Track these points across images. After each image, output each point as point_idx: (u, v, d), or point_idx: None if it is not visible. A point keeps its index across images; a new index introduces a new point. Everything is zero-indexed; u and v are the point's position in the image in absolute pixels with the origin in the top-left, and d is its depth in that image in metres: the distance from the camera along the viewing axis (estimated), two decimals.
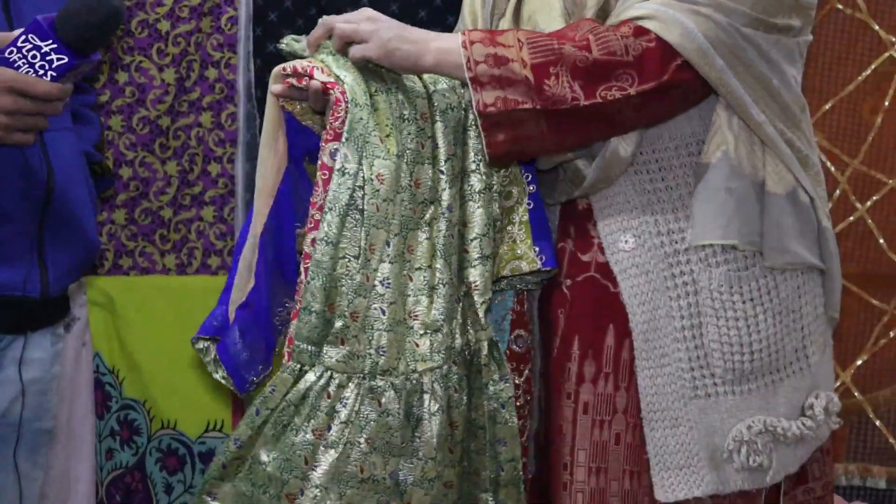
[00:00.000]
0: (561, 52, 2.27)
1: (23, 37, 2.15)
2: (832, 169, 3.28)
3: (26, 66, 2.16)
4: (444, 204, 2.35)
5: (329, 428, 2.22)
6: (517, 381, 2.46)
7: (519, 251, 2.47)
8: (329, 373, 2.24)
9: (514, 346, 2.47)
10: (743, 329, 2.37)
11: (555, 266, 2.47)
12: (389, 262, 2.26)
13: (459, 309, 2.38)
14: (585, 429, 2.45)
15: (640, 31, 2.27)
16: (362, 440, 2.24)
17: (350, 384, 2.24)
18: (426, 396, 2.29)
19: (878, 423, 3.28)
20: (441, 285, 2.32)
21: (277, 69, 2.29)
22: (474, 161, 2.39)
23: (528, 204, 2.45)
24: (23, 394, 2.48)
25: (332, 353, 2.24)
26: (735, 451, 2.36)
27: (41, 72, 2.17)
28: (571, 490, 2.45)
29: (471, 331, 2.39)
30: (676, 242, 2.38)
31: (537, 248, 2.44)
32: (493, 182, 2.40)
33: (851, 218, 3.29)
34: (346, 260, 2.24)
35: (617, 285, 2.41)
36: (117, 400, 3.37)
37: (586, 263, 2.44)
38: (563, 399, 2.48)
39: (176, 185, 3.33)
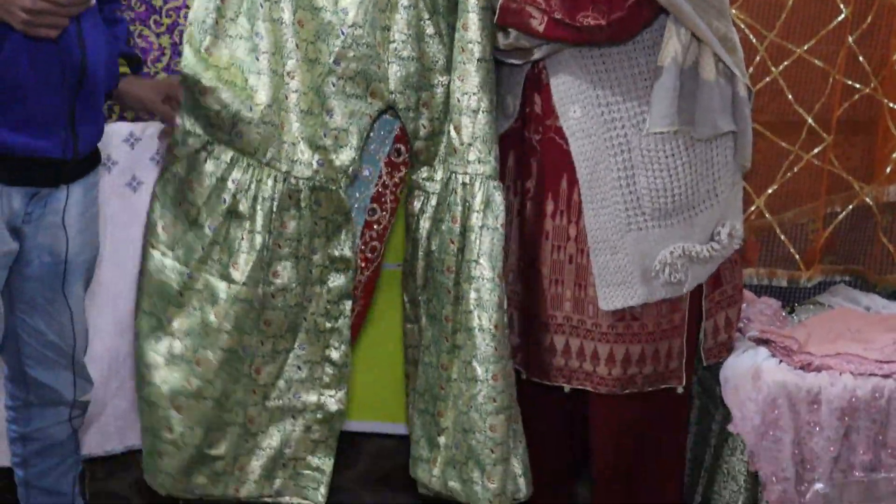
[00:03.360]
0: None
1: None
2: (753, 40, 3.41)
3: None
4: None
5: None
6: (389, 183, 2.89)
7: None
8: None
9: (393, 157, 2.89)
10: (666, 177, 2.73)
11: None
12: None
13: None
14: (547, 251, 2.84)
15: None
16: None
17: None
18: None
19: (782, 237, 3.53)
20: None
21: None
22: None
23: None
24: (66, 234, 2.68)
25: None
26: (661, 271, 2.76)
27: None
28: (540, 296, 2.87)
29: None
30: (613, 112, 2.72)
31: None
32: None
33: (767, 79, 3.44)
34: None
35: (569, 144, 2.76)
36: None
37: (549, 126, 2.80)
38: (536, 229, 2.86)
39: (168, 56, 3.40)
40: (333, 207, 2.75)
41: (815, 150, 3.47)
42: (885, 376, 2.99)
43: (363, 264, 2.91)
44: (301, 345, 2.84)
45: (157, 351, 2.78)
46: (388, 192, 2.88)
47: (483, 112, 2.70)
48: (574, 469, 3.35)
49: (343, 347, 2.85)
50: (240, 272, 2.71)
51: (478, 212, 2.71)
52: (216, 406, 2.78)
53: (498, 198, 2.71)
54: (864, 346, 3.09)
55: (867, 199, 3.50)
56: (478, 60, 2.69)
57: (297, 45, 2.68)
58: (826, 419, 2.96)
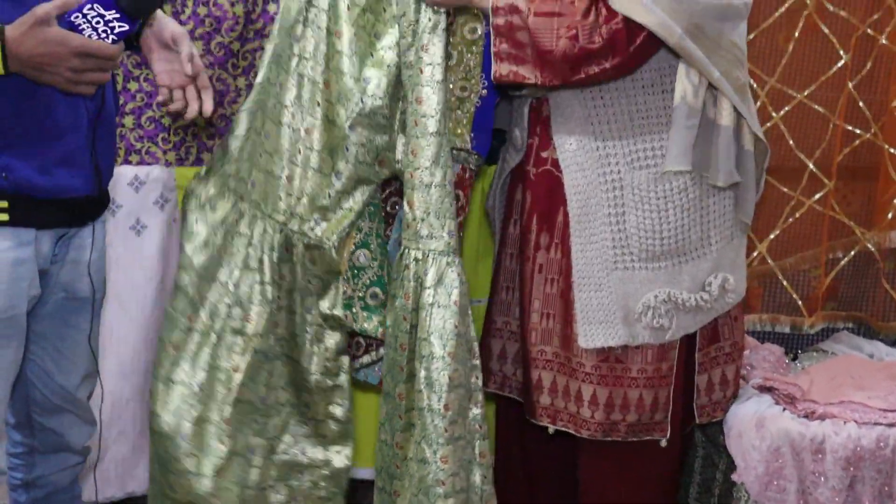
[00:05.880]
0: (557, 43, 2.60)
1: (88, 5, 2.21)
2: (754, 85, 3.39)
3: (90, 29, 2.22)
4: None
5: None
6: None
7: (458, 131, 2.73)
8: None
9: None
10: (656, 219, 2.71)
11: (483, 154, 2.80)
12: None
13: None
14: (539, 284, 2.82)
15: (611, 16, 2.57)
16: None
17: None
18: None
19: (784, 282, 3.50)
20: None
21: None
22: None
23: (477, 103, 2.77)
24: (89, 273, 2.64)
25: None
26: (643, 314, 2.74)
27: (104, 35, 2.24)
28: (528, 329, 2.84)
29: None
30: (608, 148, 2.72)
31: (472, 136, 2.77)
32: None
33: (768, 124, 3.43)
34: None
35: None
36: None
37: (545, 158, 2.81)
38: (525, 261, 2.86)
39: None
40: (326, 266, 2.76)
41: (817, 196, 3.46)
42: (890, 425, 2.94)
43: None
44: (305, 403, 2.84)
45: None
46: None
47: (435, 186, 2.66)
48: None
49: (346, 403, 2.84)
50: (253, 324, 2.74)
51: (429, 288, 2.67)
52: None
53: (451, 274, 2.68)
54: (868, 393, 3.04)
55: (869, 245, 3.49)
56: (430, 134, 2.66)
57: (318, 104, 2.70)
58: (831, 469, 2.91)
